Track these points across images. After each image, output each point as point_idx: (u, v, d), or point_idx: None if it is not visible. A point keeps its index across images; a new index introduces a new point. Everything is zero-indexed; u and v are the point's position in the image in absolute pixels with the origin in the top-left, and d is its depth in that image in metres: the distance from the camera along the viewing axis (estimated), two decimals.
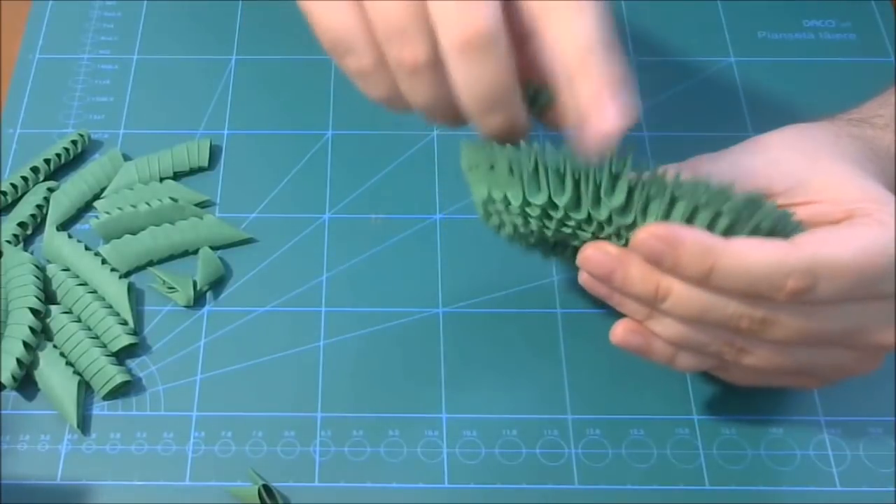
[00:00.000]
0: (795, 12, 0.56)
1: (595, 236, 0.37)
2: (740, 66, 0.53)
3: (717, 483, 0.41)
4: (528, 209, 0.37)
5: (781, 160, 0.37)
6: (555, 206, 0.36)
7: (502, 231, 0.40)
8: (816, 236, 0.34)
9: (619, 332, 0.37)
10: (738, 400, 0.43)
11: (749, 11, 0.56)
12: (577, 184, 0.35)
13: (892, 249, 0.33)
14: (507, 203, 0.37)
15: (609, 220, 0.35)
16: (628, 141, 0.34)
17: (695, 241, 0.33)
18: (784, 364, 0.37)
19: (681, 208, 0.34)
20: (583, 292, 0.39)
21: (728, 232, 0.34)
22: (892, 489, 0.41)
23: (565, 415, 0.43)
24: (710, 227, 0.34)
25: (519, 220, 0.38)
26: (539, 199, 0.36)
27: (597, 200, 0.35)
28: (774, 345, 0.36)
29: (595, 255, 0.36)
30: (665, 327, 0.36)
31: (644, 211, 0.35)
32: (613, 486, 0.41)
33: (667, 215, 0.34)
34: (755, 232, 0.34)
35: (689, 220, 0.34)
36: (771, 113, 0.51)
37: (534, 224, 0.37)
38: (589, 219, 0.36)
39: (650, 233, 0.34)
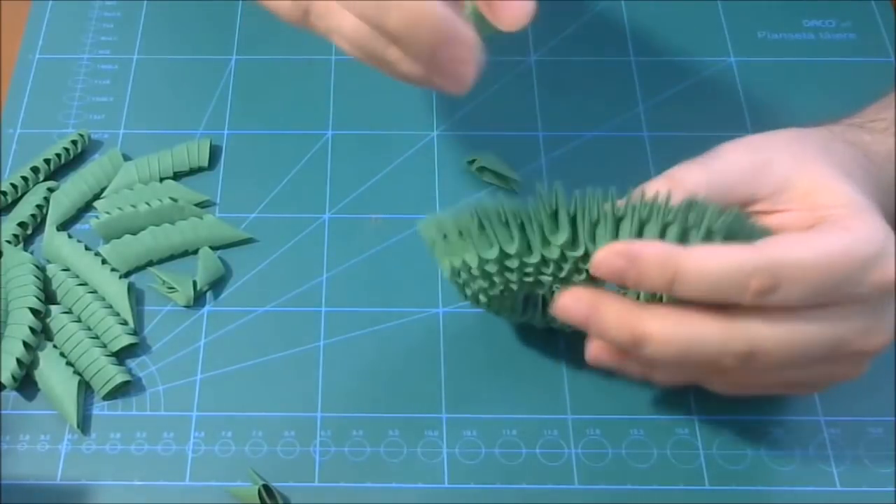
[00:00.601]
0: (795, 12, 0.56)
1: (556, 278, 0.37)
2: (740, 66, 0.53)
3: (717, 483, 0.41)
4: (486, 267, 0.37)
5: (771, 162, 0.37)
6: (508, 256, 0.36)
7: (479, 299, 0.40)
8: (779, 239, 0.34)
9: (593, 352, 0.38)
10: (738, 400, 0.43)
11: (749, 11, 0.56)
12: (521, 228, 0.36)
13: (855, 253, 0.33)
14: (469, 267, 0.38)
15: (563, 257, 0.36)
16: (556, 175, 0.35)
17: (654, 252, 0.34)
18: (769, 382, 0.37)
19: (626, 227, 0.35)
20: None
21: (682, 241, 0.34)
22: (892, 489, 0.41)
23: (565, 415, 0.43)
24: (662, 237, 0.34)
25: (485, 283, 0.38)
26: (491, 254, 0.37)
27: (545, 240, 0.35)
28: (759, 371, 0.36)
29: (570, 303, 0.36)
30: (649, 367, 0.37)
31: (592, 238, 0.35)
32: (613, 486, 0.41)
33: (615, 236, 0.35)
34: (709, 237, 0.34)
35: (639, 236, 0.35)
36: (771, 113, 0.51)
37: (498, 281, 0.38)
38: (544, 260, 0.36)
39: (608, 251, 0.34)
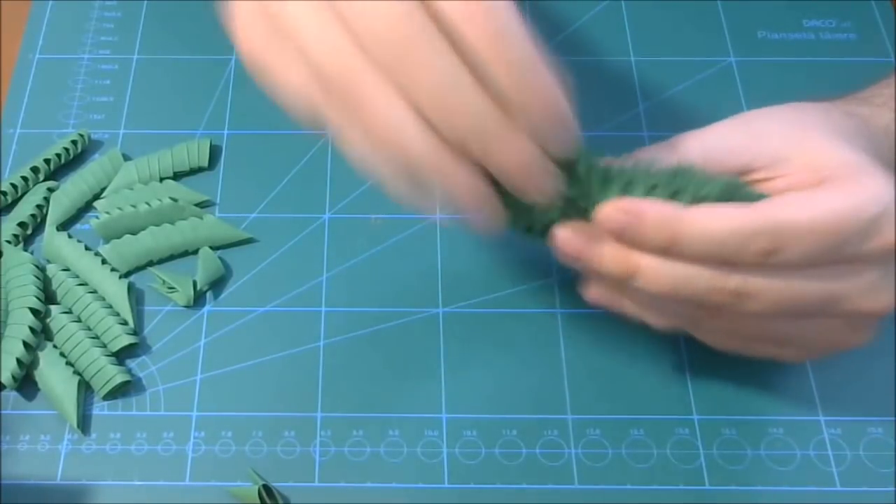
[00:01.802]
0: (795, 12, 0.56)
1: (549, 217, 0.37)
2: (740, 66, 0.53)
3: (717, 483, 0.41)
4: None
5: (768, 132, 0.37)
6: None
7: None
8: (781, 199, 0.34)
9: (592, 293, 0.38)
10: (738, 400, 0.43)
11: (749, 11, 0.56)
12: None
13: (860, 212, 0.33)
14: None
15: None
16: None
17: (656, 211, 0.34)
18: (763, 333, 0.37)
19: (613, 187, 0.35)
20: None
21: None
22: (892, 489, 0.41)
23: (565, 415, 0.43)
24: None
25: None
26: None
27: (588, 188, 0.36)
28: (751, 316, 0.36)
29: (567, 234, 0.36)
30: (640, 299, 0.37)
31: (587, 191, 0.35)
32: (613, 486, 0.41)
33: (602, 192, 0.35)
34: (697, 203, 0.34)
35: (623, 195, 0.35)
36: None
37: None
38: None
39: (613, 207, 0.34)
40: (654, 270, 0.35)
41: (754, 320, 0.36)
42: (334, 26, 0.31)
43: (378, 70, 0.31)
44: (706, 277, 0.34)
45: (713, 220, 0.33)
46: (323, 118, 0.33)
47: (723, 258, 0.34)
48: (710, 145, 0.37)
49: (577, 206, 0.36)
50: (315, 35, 0.32)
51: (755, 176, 0.37)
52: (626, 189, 0.35)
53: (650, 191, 0.35)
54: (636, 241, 0.34)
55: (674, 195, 0.35)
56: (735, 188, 0.35)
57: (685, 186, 0.35)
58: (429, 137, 0.31)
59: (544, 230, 0.38)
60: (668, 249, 0.34)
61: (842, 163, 0.35)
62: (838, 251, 0.33)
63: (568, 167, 0.35)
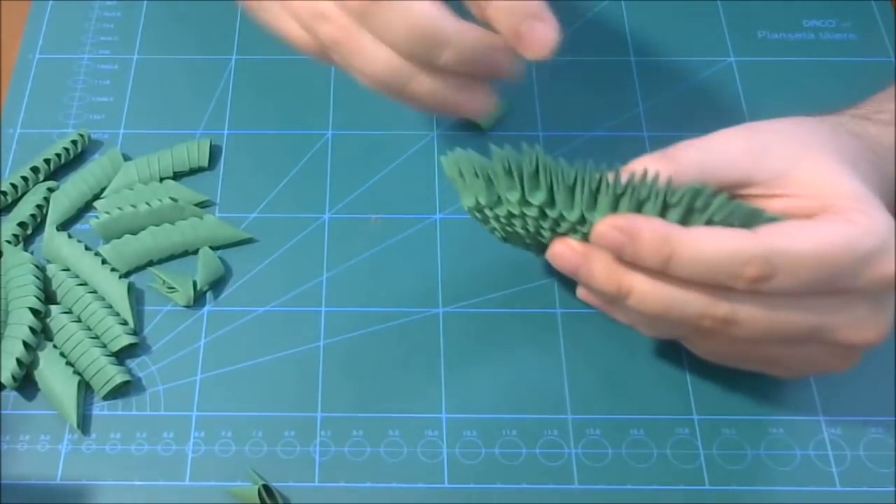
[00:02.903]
0: (795, 12, 0.56)
1: (555, 232, 0.38)
2: (740, 66, 0.53)
3: (717, 483, 0.41)
4: (495, 209, 0.38)
5: (770, 147, 0.37)
6: (510, 202, 0.37)
7: (498, 234, 0.41)
8: (779, 227, 0.34)
9: (580, 294, 0.39)
10: (738, 400, 0.43)
11: (749, 11, 0.56)
12: (522, 180, 0.37)
13: (856, 246, 0.33)
14: (481, 206, 0.38)
15: (561, 216, 0.37)
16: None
17: (653, 230, 0.34)
18: (750, 355, 0.37)
19: (625, 203, 0.35)
20: None
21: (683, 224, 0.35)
22: (892, 489, 0.41)
23: (565, 415, 0.43)
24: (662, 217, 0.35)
25: (496, 224, 0.40)
26: (492, 199, 0.38)
27: (592, 202, 0.36)
28: (740, 340, 0.36)
29: (562, 251, 0.37)
30: (632, 314, 0.37)
31: (593, 206, 0.36)
32: (613, 486, 0.41)
33: (613, 208, 0.35)
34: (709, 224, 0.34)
35: (637, 212, 0.35)
36: (771, 113, 0.50)
37: (505, 223, 0.39)
38: (543, 214, 0.37)
39: (607, 224, 0.34)
40: (646, 292, 0.35)
41: (743, 343, 0.36)
42: None
43: (353, 18, 0.37)
44: (697, 303, 0.34)
45: (708, 242, 0.33)
46: (323, 58, 0.40)
47: (715, 281, 0.34)
48: (709, 156, 0.37)
49: (587, 221, 0.36)
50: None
51: (753, 191, 0.37)
52: (639, 207, 0.35)
53: (664, 211, 0.35)
54: (633, 260, 0.34)
55: (687, 217, 0.35)
56: (755, 216, 0.35)
57: (701, 209, 0.35)
58: (405, 65, 0.38)
59: (541, 246, 0.38)
60: (663, 269, 0.34)
61: (843, 193, 0.35)
62: (831, 283, 0.34)
63: (571, 185, 0.36)
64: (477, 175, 0.38)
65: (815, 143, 0.37)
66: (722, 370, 0.43)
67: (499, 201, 0.38)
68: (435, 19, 0.36)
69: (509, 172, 0.37)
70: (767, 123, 0.38)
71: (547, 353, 0.44)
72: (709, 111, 0.51)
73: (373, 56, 0.37)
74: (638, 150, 0.49)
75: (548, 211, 0.37)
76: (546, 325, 0.45)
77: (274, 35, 0.41)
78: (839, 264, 0.33)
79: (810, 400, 0.43)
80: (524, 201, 0.37)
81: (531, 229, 0.38)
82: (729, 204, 0.34)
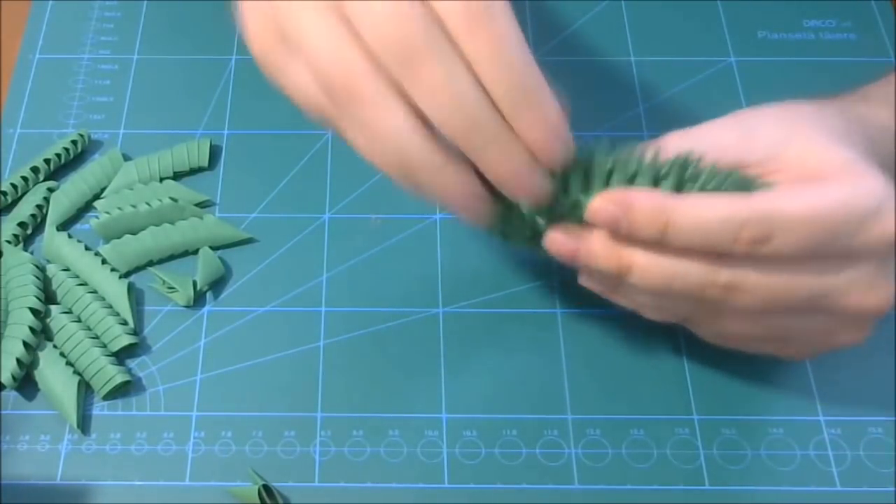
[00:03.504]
0: (795, 12, 0.56)
1: (550, 219, 0.37)
2: (740, 66, 0.53)
3: (717, 483, 0.41)
4: None
5: (759, 129, 0.37)
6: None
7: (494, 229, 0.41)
8: (773, 193, 0.34)
9: (582, 280, 0.38)
10: (738, 400, 0.43)
11: (749, 11, 0.56)
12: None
13: (853, 204, 0.33)
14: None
15: (557, 201, 0.36)
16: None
17: (647, 200, 0.34)
18: (758, 330, 0.37)
19: (617, 179, 0.35)
20: (583, 292, 0.39)
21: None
22: (892, 489, 0.41)
23: (565, 415, 0.43)
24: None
25: (504, 213, 0.39)
26: None
27: (585, 185, 0.36)
28: (745, 311, 0.36)
29: (559, 237, 0.37)
30: (635, 294, 0.37)
31: (587, 189, 0.36)
32: (613, 486, 0.41)
33: (605, 186, 0.35)
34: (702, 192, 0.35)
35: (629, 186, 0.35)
36: None
37: (500, 210, 0.38)
38: (557, 203, 0.37)
39: (604, 199, 0.34)
40: (647, 266, 0.35)
41: (750, 317, 0.36)
42: (339, 31, 0.32)
43: (379, 75, 0.32)
44: (698, 272, 0.34)
45: (705, 209, 0.33)
46: (328, 119, 0.35)
47: (714, 247, 0.34)
48: (699, 143, 0.37)
49: (581, 205, 0.36)
50: (319, 42, 0.33)
51: (748, 172, 0.37)
52: (630, 183, 0.35)
53: (656, 182, 0.35)
54: (628, 232, 0.34)
55: (680, 186, 0.35)
56: (747, 183, 0.35)
57: (694, 178, 0.35)
58: (426, 143, 0.33)
59: (540, 238, 0.38)
60: (661, 239, 0.34)
61: (833, 160, 0.35)
62: (830, 244, 0.33)
63: (565, 170, 0.36)
64: None
65: (803, 122, 0.37)
66: (722, 370, 0.43)
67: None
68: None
69: None
70: (754, 109, 0.38)
71: (547, 353, 0.44)
72: (709, 111, 0.51)
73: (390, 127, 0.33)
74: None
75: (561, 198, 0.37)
76: (546, 325, 0.45)
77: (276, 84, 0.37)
78: (837, 224, 0.33)
79: (810, 400, 0.43)
80: None
81: (526, 217, 0.38)
82: (719, 172, 0.34)
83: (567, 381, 0.43)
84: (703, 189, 0.35)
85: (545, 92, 0.33)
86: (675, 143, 0.37)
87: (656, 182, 0.35)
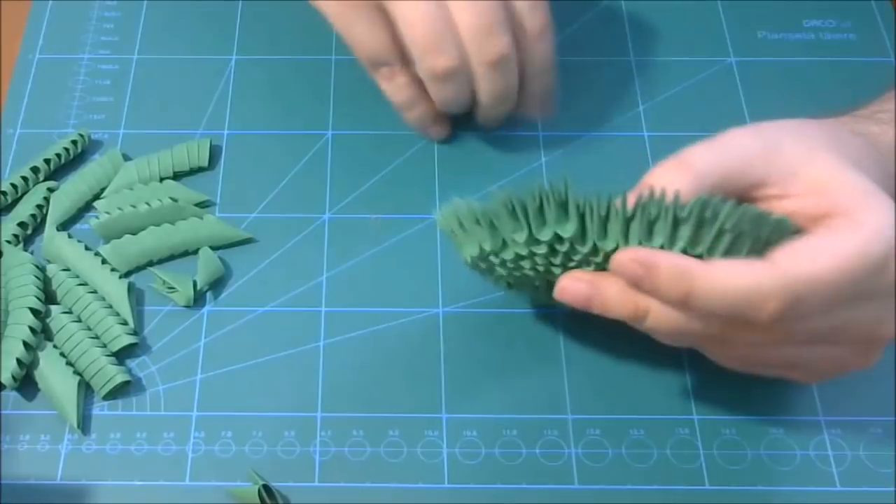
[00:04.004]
0: (795, 12, 0.56)
1: (567, 267, 0.37)
2: (740, 66, 0.53)
3: (717, 483, 0.41)
4: (502, 254, 0.38)
5: (781, 144, 0.37)
6: (517, 244, 0.37)
7: (503, 283, 0.41)
8: (793, 253, 0.34)
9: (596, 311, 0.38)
10: (738, 400, 0.43)
11: (749, 11, 0.56)
12: (528, 218, 0.36)
13: (869, 253, 0.33)
14: (486, 254, 0.38)
15: (573, 249, 0.36)
16: (555, 175, 0.37)
17: (670, 265, 0.34)
18: (770, 359, 0.37)
19: (636, 226, 0.35)
20: None
21: (695, 238, 0.34)
22: (892, 489, 0.41)
23: (565, 415, 0.43)
24: (674, 234, 0.35)
25: (503, 270, 0.39)
26: (498, 244, 0.37)
27: (554, 233, 0.36)
28: (755, 344, 0.36)
29: (570, 284, 0.37)
30: (648, 329, 0.37)
31: (603, 234, 0.35)
32: (613, 486, 0.41)
33: (625, 233, 0.35)
34: (721, 236, 0.34)
35: (649, 233, 0.35)
36: (771, 113, 0.50)
37: (512, 267, 0.38)
38: (552, 250, 0.37)
39: (629, 257, 0.34)
40: (663, 317, 0.35)
41: (764, 349, 0.36)
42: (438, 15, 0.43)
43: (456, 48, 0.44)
44: (717, 324, 0.34)
45: (729, 278, 0.33)
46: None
47: (738, 315, 0.33)
48: (726, 158, 0.36)
49: (599, 251, 0.36)
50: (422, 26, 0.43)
51: (767, 191, 0.37)
52: (650, 227, 0.35)
53: (676, 224, 0.34)
54: (653, 293, 0.34)
55: (699, 230, 0.34)
56: (763, 220, 0.35)
57: (712, 220, 0.34)
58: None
59: (553, 286, 0.38)
60: (682, 303, 0.34)
61: (847, 187, 0.35)
62: (853, 293, 0.33)
63: (580, 216, 0.35)
64: (478, 222, 0.37)
65: (819, 144, 0.37)
66: (722, 370, 0.43)
67: (504, 245, 0.37)
68: None
69: (513, 213, 0.36)
70: (775, 125, 0.38)
71: (547, 353, 0.44)
72: (709, 111, 0.51)
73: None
74: (638, 150, 0.50)
75: (557, 246, 0.36)
76: (546, 325, 0.45)
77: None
78: (858, 276, 0.33)
79: (810, 400, 0.43)
80: (532, 240, 0.37)
81: (541, 268, 0.38)
82: (737, 210, 0.34)
83: (567, 381, 0.43)
84: (721, 230, 0.34)
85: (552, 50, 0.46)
86: (699, 158, 0.36)
87: (676, 224, 0.34)
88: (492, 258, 0.39)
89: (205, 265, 0.46)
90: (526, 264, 0.38)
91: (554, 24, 0.46)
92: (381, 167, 0.49)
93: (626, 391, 0.43)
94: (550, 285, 0.39)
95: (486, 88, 0.45)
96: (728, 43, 0.54)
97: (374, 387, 0.43)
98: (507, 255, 0.38)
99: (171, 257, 0.47)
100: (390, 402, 0.43)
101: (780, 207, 0.36)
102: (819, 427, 0.42)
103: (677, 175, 0.36)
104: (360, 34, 0.45)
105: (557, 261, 0.37)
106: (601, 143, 0.50)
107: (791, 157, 0.36)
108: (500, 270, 0.40)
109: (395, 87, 0.47)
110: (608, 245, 0.35)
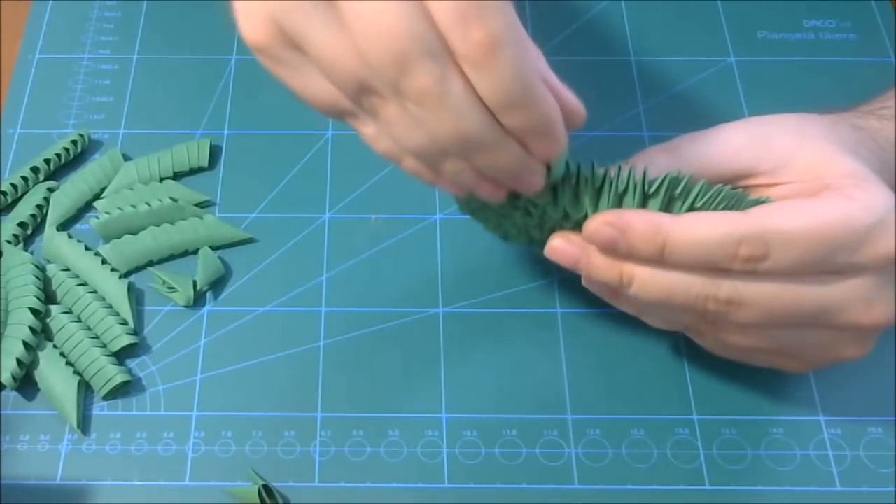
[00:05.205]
0: (795, 12, 0.56)
1: (544, 228, 0.38)
2: (740, 66, 0.53)
3: (717, 483, 0.41)
4: (510, 208, 0.38)
5: (772, 137, 0.37)
6: (534, 205, 0.37)
7: (496, 230, 0.41)
8: (772, 206, 0.34)
9: (585, 283, 0.38)
10: (738, 400, 0.43)
11: (749, 11, 0.56)
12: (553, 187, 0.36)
13: (853, 222, 0.33)
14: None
15: (545, 213, 0.37)
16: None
17: (643, 221, 0.34)
18: (759, 343, 0.37)
19: (605, 197, 0.35)
20: (583, 292, 0.39)
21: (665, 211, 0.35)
22: (892, 489, 0.41)
23: (565, 415, 0.43)
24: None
25: (496, 221, 0.39)
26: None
27: (574, 199, 0.36)
28: (746, 325, 0.36)
29: (561, 245, 0.37)
30: (637, 302, 0.37)
31: (575, 202, 0.36)
32: (613, 486, 0.41)
33: (595, 203, 0.36)
34: (692, 210, 0.35)
35: (618, 205, 0.36)
36: (771, 113, 0.51)
37: (508, 222, 0.39)
38: (527, 211, 0.37)
39: (598, 220, 0.35)
40: (648, 279, 0.35)
41: (751, 330, 0.36)
42: (336, 30, 0.30)
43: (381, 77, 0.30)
44: (698, 285, 0.34)
45: (701, 227, 0.33)
46: (338, 116, 0.35)
47: (713, 264, 0.34)
48: (712, 147, 0.37)
49: (570, 217, 0.36)
50: (321, 45, 0.31)
51: (758, 181, 0.37)
52: (620, 199, 0.35)
53: (644, 201, 0.35)
54: (628, 254, 0.35)
55: (669, 205, 0.35)
56: (738, 198, 0.35)
57: (684, 195, 0.35)
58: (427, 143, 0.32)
59: (542, 241, 0.38)
60: (659, 258, 0.34)
61: (842, 172, 0.35)
62: (829, 260, 0.33)
63: (560, 179, 0.36)
64: None
65: (814, 133, 0.37)
66: (722, 370, 0.43)
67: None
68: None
69: None
70: (767, 117, 0.39)
71: (547, 353, 0.44)
72: (709, 111, 0.51)
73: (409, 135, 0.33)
74: (638, 150, 0.50)
75: (531, 209, 0.37)
76: (546, 325, 0.45)
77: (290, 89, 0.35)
78: (836, 240, 0.33)
79: (810, 400, 0.43)
80: (509, 201, 0.37)
81: (520, 226, 0.39)
82: (710, 189, 0.35)
83: (567, 381, 0.43)
84: (693, 206, 0.35)
85: (537, 93, 0.30)
86: (687, 146, 0.37)
87: (645, 199, 0.35)
88: (474, 203, 0.39)
89: (205, 265, 0.46)
90: (506, 222, 0.39)
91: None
92: (381, 167, 0.49)
93: (626, 391, 0.43)
94: (533, 240, 0.40)
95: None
96: (728, 43, 0.54)
97: (374, 387, 0.43)
98: (493, 205, 0.38)
99: (171, 257, 0.47)
100: (390, 402, 0.43)
101: (770, 194, 0.36)
102: (819, 427, 0.42)
103: (662, 157, 0.37)
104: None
105: (534, 222, 0.38)
106: (601, 143, 0.50)
107: (781, 148, 0.37)
108: (491, 218, 0.40)
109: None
110: (579, 213, 0.36)
